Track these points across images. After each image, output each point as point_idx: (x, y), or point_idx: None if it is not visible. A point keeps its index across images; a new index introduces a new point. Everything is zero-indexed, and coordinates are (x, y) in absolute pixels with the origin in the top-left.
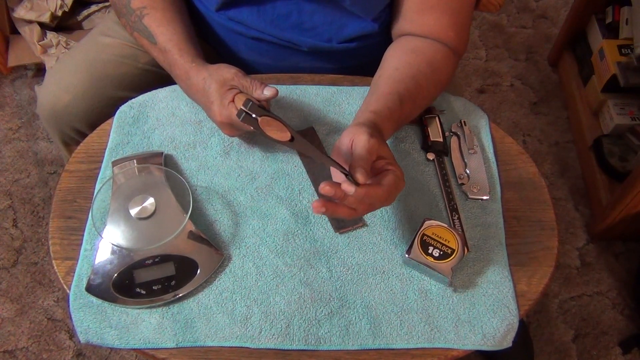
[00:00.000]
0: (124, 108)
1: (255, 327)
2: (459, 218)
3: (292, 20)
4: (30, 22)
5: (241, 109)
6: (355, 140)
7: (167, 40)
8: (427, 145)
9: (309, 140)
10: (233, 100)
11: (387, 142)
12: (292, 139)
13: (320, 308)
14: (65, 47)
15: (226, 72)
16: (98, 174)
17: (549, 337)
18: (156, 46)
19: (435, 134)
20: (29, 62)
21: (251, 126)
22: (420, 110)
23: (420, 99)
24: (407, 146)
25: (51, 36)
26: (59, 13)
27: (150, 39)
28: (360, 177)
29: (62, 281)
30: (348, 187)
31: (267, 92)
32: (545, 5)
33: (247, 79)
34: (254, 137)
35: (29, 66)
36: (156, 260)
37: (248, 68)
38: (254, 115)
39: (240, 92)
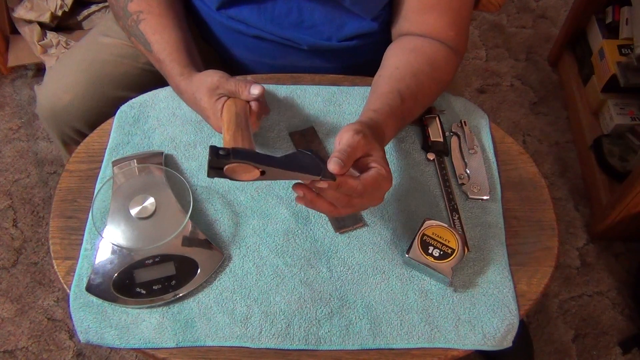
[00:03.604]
0: (124, 108)
1: (255, 327)
2: (459, 218)
3: (292, 19)
4: (30, 22)
5: (208, 168)
6: (340, 137)
7: (161, 50)
8: (427, 145)
9: (309, 140)
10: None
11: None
12: (262, 172)
13: (320, 308)
14: (65, 47)
15: (210, 80)
16: (98, 173)
17: (549, 337)
18: (151, 54)
19: (435, 134)
20: (29, 62)
21: (222, 177)
22: (423, 108)
23: (422, 96)
24: (407, 146)
25: (51, 36)
26: (59, 13)
27: (146, 46)
28: (332, 165)
29: (62, 281)
30: (321, 184)
31: (254, 90)
32: (545, 5)
33: (232, 82)
34: (254, 138)
35: (29, 66)
36: (156, 260)
37: (248, 67)
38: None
39: (228, 97)
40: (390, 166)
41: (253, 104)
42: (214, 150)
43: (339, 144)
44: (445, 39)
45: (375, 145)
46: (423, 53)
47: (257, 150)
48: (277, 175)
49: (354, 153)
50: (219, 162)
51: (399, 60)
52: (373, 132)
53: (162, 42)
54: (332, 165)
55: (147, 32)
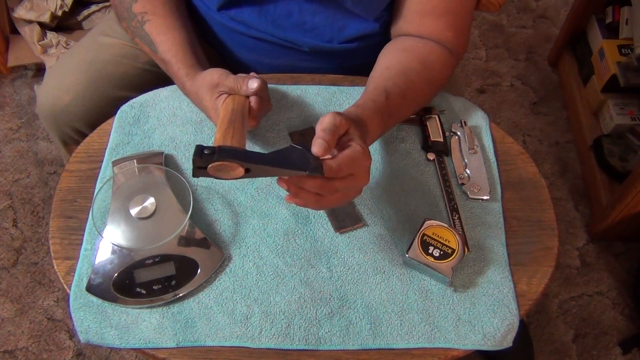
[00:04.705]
0: (124, 108)
1: (255, 327)
2: (459, 218)
3: (293, 21)
4: (30, 22)
5: (192, 168)
6: (321, 121)
7: (167, 51)
8: (427, 145)
9: (309, 140)
10: None
11: (382, 141)
12: (247, 170)
13: (320, 308)
14: (65, 47)
15: (210, 79)
16: (98, 173)
17: (549, 337)
18: (157, 55)
19: (435, 134)
20: (29, 62)
21: (207, 177)
22: (415, 106)
23: (412, 94)
24: (408, 146)
25: (51, 36)
26: (59, 13)
27: (151, 47)
28: (316, 148)
29: (62, 281)
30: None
31: (252, 84)
32: (545, 5)
33: (231, 79)
34: (254, 138)
35: (29, 66)
36: (156, 260)
37: (248, 68)
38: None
39: (228, 95)
40: (390, 166)
41: (252, 100)
42: (199, 149)
43: (320, 126)
44: (443, 41)
45: (355, 127)
46: (416, 52)
47: (246, 148)
48: (263, 172)
49: (337, 130)
50: (203, 161)
51: (390, 60)
52: (353, 122)
53: (167, 42)
54: (316, 148)
55: (153, 33)
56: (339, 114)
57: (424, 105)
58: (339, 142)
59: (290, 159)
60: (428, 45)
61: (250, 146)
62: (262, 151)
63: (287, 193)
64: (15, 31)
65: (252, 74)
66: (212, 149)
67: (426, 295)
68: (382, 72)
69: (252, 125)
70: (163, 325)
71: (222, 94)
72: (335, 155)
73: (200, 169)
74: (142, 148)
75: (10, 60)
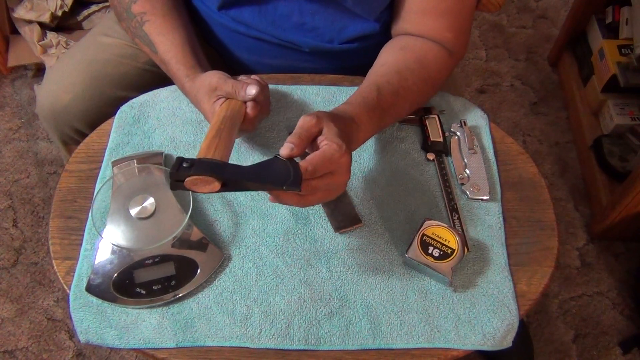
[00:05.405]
0: (124, 108)
1: (255, 327)
2: (459, 218)
3: (293, 21)
4: (30, 22)
5: (170, 181)
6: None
7: (166, 51)
8: (427, 145)
9: None
10: None
11: (382, 141)
12: (225, 184)
13: (320, 308)
14: (65, 47)
15: (209, 82)
16: (98, 173)
17: (549, 337)
18: (157, 55)
19: (435, 134)
20: (29, 62)
21: (184, 190)
22: (411, 105)
23: (406, 92)
24: (407, 146)
25: (51, 36)
26: (59, 13)
27: (151, 48)
28: (282, 150)
29: (62, 281)
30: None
31: (251, 90)
32: (545, 5)
33: (229, 83)
34: (254, 138)
35: (29, 66)
36: (156, 260)
37: (249, 68)
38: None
39: (225, 99)
40: (389, 166)
41: (249, 106)
42: (178, 161)
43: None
44: (442, 41)
45: (327, 124)
46: (413, 51)
47: (261, 147)
48: (241, 187)
49: (307, 133)
50: (179, 174)
51: (386, 58)
52: (334, 118)
53: (167, 43)
54: (282, 150)
55: (152, 33)
56: (310, 115)
57: (422, 105)
58: (315, 143)
59: (270, 173)
60: (426, 44)
61: (252, 145)
62: (260, 151)
63: None
64: (15, 31)
65: (253, 76)
66: (190, 162)
67: (426, 295)
68: (377, 69)
69: (249, 130)
70: (163, 325)
71: (219, 98)
72: (308, 157)
73: (177, 182)
74: (142, 148)
75: (10, 60)
